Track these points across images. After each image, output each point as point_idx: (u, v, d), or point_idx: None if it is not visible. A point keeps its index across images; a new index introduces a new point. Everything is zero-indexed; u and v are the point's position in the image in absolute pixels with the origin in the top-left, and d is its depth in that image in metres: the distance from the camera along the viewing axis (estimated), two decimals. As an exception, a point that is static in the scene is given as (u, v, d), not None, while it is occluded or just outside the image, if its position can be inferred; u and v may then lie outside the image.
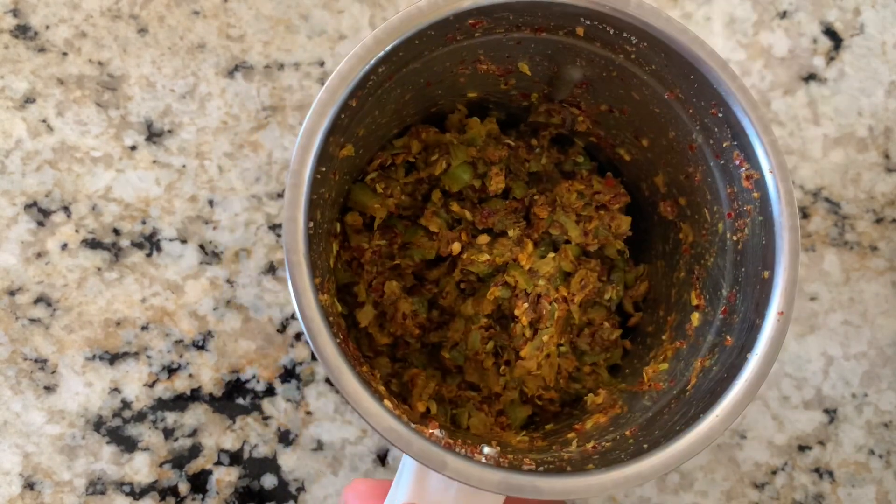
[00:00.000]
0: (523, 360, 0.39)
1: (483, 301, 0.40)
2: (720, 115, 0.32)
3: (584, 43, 0.34)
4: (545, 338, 0.38)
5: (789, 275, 0.31)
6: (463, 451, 0.30)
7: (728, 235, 0.35)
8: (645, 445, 0.31)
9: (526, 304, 0.39)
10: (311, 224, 0.30)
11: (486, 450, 0.31)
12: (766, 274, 0.32)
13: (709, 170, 0.35)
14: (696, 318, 0.36)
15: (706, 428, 0.30)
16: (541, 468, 0.30)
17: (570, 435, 0.36)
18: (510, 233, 0.40)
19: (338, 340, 0.29)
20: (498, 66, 0.36)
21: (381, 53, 0.31)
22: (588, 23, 0.32)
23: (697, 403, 0.32)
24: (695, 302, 0.37)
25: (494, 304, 0.40)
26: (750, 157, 0.32)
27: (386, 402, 0.29)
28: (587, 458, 0.32)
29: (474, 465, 0.29)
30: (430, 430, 0.30)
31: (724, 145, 0.33)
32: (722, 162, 0.34)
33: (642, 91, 0.35)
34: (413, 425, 0.29)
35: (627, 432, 0.33)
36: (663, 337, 0.38)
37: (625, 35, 0.32)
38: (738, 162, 0.33)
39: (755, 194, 0.32)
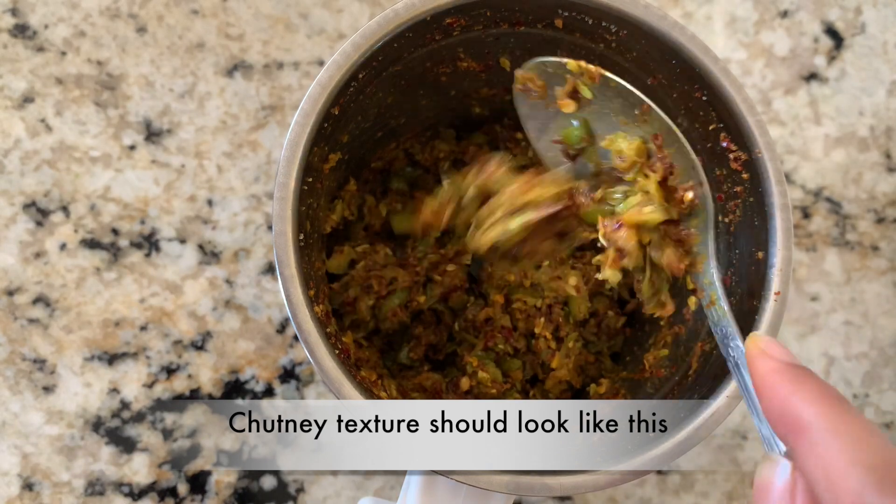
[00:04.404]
0: (555, 370, 0.39)
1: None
2: (704, 97, 0.32)
3: (564, 34, 0.33)
4: (570, 343, 0.39)
5: (783, 254, 0.31)
6: None
7: (720, 218, 0.34)
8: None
9: (542, 319, 0.39)
10: (302, 236, 0.30)
11: None
12: (761, 254, 0.32)
13: (696, 153, 0.35)
14: (692, 302, 0.36)
15: (712, 411, 0.30)
16: None
17: None
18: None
19: (336, 351, 0.29)
20: (478, 62, 0.36)
21: (360, 59, 0.30)
22: (566, 14, 0.32)
23: (700, 388, 0.32)
24: (691, 286, 0.37)
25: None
26: (737, 139, 0.32)
27: None
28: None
29: None
30: None
31: (710, 128, 0.33)
32: (709, 145, 0.33)
33: (625, 79, 0.35)
34: None
35: None
36: (661, 322, 0.38)
37: (604, 24, 0.32)
38: (725, 144, 0.33)
39: (744, 175, 0.32)
